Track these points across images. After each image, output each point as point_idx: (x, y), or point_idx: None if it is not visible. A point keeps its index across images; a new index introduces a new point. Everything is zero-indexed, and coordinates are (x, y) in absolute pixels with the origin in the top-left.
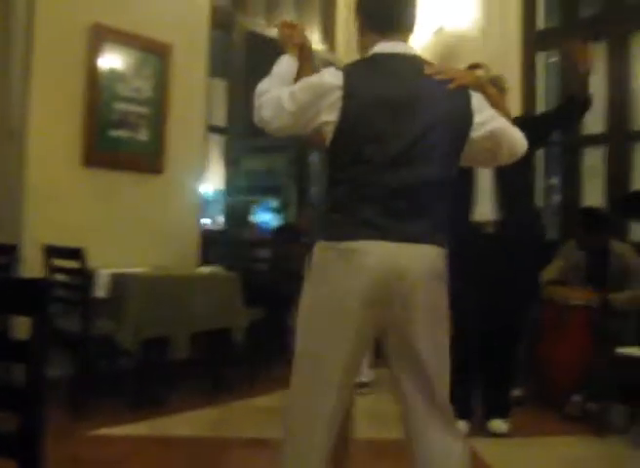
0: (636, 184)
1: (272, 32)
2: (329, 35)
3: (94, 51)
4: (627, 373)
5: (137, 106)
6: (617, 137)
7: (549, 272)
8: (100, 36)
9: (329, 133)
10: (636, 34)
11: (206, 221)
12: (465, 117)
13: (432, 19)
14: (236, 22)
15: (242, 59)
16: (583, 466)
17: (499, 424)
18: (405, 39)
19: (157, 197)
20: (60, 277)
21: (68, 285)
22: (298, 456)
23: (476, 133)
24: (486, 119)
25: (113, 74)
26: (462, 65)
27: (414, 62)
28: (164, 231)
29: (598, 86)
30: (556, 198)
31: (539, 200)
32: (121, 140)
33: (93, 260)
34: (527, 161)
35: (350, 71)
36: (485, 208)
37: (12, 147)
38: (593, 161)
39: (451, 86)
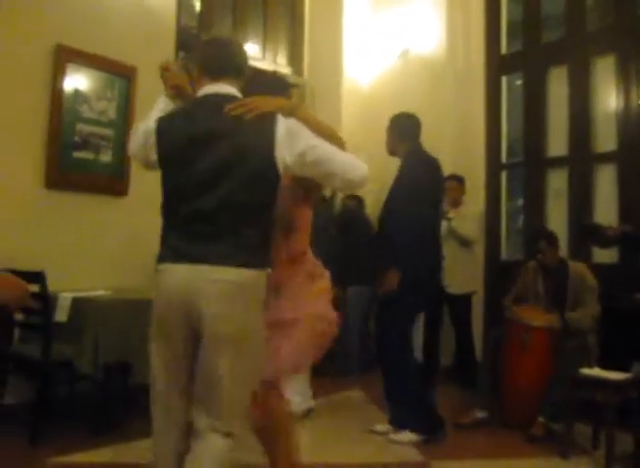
0: (599, 205)
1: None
2: (295, 58)
3: (57, 72)
4: (590, 394)
5: (100, 128)
6: (579, 160)
7: (512, 293)
8: (64, 57)
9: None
10: (597, 58)
11: None
12: (268, 146)
13: (397, 43)
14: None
15: None
16: None
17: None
18: (231, 82)
19: (121, 219)
20: None
21: (28, 309)
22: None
23: (294, 162)
24: (302, 149)
25: (77, 96)
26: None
27: (225, 101)
28: (128, 254)
29: (560, 109)
30: (520, 220)
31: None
32: (84, 162)
33: (54, 284)
34: None
35: (165, 116)
36: None
37: None
38: (557, 183)
39: (248, 116)
